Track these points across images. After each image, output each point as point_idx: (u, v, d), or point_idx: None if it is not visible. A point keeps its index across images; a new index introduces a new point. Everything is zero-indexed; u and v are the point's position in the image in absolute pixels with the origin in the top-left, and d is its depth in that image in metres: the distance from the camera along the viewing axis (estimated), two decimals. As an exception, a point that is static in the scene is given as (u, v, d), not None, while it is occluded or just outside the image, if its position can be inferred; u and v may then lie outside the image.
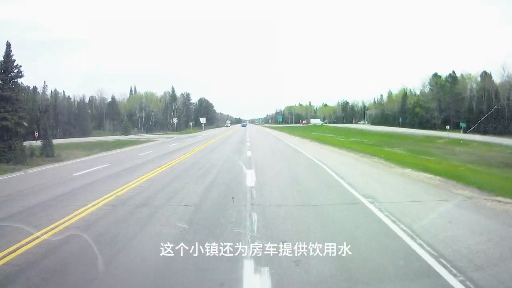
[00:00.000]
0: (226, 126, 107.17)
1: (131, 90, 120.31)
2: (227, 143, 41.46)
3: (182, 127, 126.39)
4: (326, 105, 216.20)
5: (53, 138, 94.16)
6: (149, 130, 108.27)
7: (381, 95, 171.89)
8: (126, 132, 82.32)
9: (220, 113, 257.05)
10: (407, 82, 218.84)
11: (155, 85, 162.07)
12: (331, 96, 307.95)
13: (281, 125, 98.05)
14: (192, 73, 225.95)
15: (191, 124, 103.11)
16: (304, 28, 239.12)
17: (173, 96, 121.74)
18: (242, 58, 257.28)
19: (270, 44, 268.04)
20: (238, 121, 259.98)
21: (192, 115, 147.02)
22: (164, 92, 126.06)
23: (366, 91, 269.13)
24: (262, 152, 27.99)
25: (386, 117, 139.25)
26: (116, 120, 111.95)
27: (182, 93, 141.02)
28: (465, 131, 73.36)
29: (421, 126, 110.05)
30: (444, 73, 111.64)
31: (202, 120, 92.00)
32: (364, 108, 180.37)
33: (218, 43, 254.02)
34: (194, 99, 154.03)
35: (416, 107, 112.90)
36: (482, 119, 71.48)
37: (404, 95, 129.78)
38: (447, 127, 77.63)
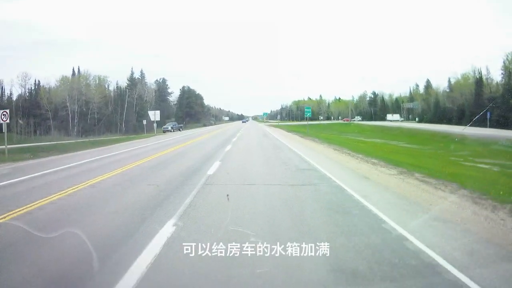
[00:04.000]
0: (166, 131, 55.11)
1: (73, 72, 75.32)
2: None
3: (149, 127, 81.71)
4: (339, 99, 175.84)
5: None
6: (85, 132, 63.70)
7: (417, 85, 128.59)
8: None
9: (220, 108, 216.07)
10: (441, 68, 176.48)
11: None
12: (343, 90, 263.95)
13: (306, 123, 47.81)
14: (187, 66, 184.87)
15: (144, 122, 57.13)
16: (311, 15, 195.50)
17: (131, 81, 76.75)
18: (243, 51, 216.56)
19: (274, 35, 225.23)
20: (240, 117, 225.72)
21: (172, 110, 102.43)
22: (132, 77, 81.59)
23: (388, 82, 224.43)
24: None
25: (443, 112, 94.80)
26: (38, 117, 67.45)
27: (157, 80, 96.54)
28: None
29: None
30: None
31: (153, 115, 47.15)
32: (397, 101, 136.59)
33: (217, 33, 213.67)
34: (176, 89, 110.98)
35: (515, 97, 67.98)
36: None
37: (479, 81, 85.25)
38: None
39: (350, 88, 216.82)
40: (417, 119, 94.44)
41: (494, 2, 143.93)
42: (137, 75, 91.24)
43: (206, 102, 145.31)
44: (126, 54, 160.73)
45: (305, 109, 37.17)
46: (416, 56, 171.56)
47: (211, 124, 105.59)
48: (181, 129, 58.85)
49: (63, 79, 66.50)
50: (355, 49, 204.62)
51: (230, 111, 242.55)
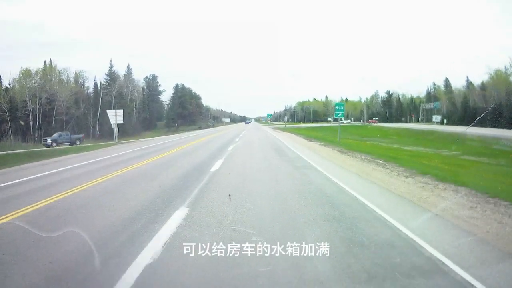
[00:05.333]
0: (48, 146, 37.77)
1: (45, 65, 62.12)
2: None
3: (139, 129, 68.72)
4: (347, 100, 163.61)
5: None
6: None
7: (434, 83, 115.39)
8: None
9: (221, 110, 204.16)
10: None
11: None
12: (347, 90, 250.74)
13: (337, 124, 31.98)
14: (187, 67, 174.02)
15: (113, 128, 40.01)
16: (313, 14, 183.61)
17: (111, 76, 63.39)
18: (245, 53, 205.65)
19: (276, 37, 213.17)
20: (242, 119, 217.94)
21: (164, 111, 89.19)
22: (111, 71, 68.25)
23: (389, 83, 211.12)
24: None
25: (474, 112, 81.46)
26: (-6, 120, 54.43)
27: (146, 77, 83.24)
28: None
29: None
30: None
31: (113, 115, 33.20)
32: (412, 101, 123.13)
33: (218, 34, 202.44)
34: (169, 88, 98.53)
35: None
36: None
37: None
38: None
39: (351, 88, 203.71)
40: (445, 120, 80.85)
41: (494, 3, 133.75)
42: (122, 70, 78.33)
43: (206, 103, 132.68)
44: (126, 54, 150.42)
45: (336, 107, 23.39)
46: (416, 56, 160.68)
47: (209, 127, 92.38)
48: (79, 141, 36.40)
49: (24, 73, 53.22)
50: (359, 49, 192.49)
51: (232, 112, 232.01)
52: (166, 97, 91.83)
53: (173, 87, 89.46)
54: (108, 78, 62.95)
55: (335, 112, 24.95)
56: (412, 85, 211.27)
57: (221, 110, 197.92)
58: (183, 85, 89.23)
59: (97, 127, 51.92)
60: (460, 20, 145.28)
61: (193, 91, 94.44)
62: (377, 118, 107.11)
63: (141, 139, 41.33)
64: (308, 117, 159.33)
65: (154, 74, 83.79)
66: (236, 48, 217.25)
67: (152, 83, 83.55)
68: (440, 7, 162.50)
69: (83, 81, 63.57)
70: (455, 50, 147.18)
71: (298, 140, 27.91)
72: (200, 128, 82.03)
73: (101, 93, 58.42)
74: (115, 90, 60.69)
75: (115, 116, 31.58)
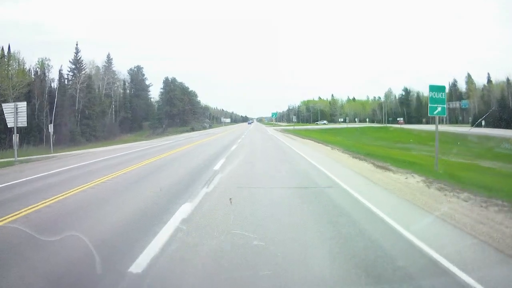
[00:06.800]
0: None
1: (2, 54, 49.03)
2: None
3: (116, 131, 55.66)
4: (354, 99, 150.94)
5: None
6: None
7: (455, 80, 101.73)
8: None
9: (222, 109, 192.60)
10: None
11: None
12: (351, 90, 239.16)
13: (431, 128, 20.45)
14: (189, 66, 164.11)
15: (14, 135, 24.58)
16: (318, 9, 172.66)
17: (77, 63, 50.03)
18: (247, 53, 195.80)
19: (280, 30, 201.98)
20: (244, 119, 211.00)
21: (152, 108, 75.85)
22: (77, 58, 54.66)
23: (405, 82, 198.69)
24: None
25: (517, 113, 68.38)
26: None
27: (131, 68, 70.15)
28: None
29: None
30: None
31: (10, 112, 20.32)
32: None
33: (220, 33, 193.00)
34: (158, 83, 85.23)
35: None
36: None
37: None
38: None
39: (357, 88, 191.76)
40: (483, 122, 67.24)
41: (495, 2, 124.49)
42: (100, 61, 65.31)
43: (206, 102, 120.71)
44: (127, 55, 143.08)
45: (430, 93, 10.06)
46: (425, 53, 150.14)
47: (204, 128, 78.97)
48: None
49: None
50: (366, 47, 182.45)
51: (234, 112, 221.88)
52: (152, 92, 78.78)
53: (163, 81, 76.14)
54: (74, 66, 49.74)
55: (429, 106, 11.56)
56: (420, 82, 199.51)
57: (222, 110, 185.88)
58: (174, 78, 75.80)
59: (53, 128, 38.73)
60: (470, 17, 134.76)
61: (186, 86, 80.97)
62: (401, 119, 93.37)
63: (84, 151, 27.89)
64: (314, 117, 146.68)
65: (139, 65, 70.73)
66: (238, 48, 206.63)
67: (136, 76, 70.22)
68: (451, 4, 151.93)
69: (46, 71, 50.19)
70: (473, 47, 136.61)
71: (349, 163, 14.17)
72: (192, 129, 68.45)
73: (56, 86, 45.00)
74: (80, 81, 47.41)
75: (15, 113, 18.26)
